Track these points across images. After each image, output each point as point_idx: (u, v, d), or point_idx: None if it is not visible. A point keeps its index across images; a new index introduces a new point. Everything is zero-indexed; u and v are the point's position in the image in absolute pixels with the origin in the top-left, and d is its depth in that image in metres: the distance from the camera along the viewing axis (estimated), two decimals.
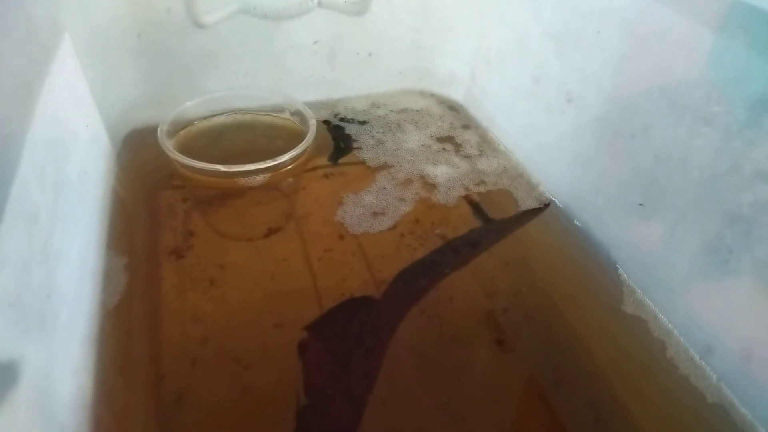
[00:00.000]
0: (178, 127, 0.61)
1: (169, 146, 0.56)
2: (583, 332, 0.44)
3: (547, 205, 0.55)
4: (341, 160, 0.60)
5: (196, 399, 0.38)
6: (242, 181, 0.55)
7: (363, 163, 0.59)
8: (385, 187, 0.55)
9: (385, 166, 0.58)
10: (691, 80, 0.39)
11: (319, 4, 0.63)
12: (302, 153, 0.58)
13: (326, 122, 0.65)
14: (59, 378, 0.32)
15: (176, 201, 0.54)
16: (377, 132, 0.63)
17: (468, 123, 0.67)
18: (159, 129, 0.57)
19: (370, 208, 0.53)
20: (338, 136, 0.63)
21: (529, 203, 0.55)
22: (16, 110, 0.33)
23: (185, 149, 0.57)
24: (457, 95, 0.71)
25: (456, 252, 0.50)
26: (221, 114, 0.65)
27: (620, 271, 0.47)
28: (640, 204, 0.44)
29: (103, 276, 0.44)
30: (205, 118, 0.64)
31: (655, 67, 0.41)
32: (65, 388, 0.32)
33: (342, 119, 0.66)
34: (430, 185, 0.56)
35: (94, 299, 0.42)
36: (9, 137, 0.32)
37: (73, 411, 0.33)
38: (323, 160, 0.60)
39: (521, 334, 0.44)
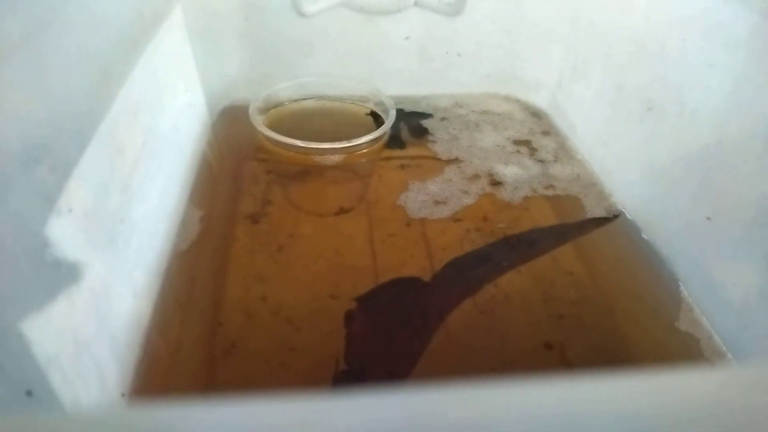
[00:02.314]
0: (269, 105, 0.66)
1: (258, 121, 0.60)
2: (636, 347, 0.42)
3: (616, 216, 0.53)
4: (413, 152, 0.61)
5: (246, 350, 0.40)
6: (318, 159, 0.59)
7: (434, 155, 0.60)
8: (451, 179, 0.56)
9: (455, 161, 0.59)
10: None
11: (416, 3, 0.65)
12: (378, 139, 0.60)
13: (405, 113, 0.67)
14: (119, 295, 0.36)
15: (260, 172, 0.58)
16: (454, 128, 0.65)
17: (549, 130, 0.66)
18: (251, 105, 0.62)
19: (432, 197, 0.54)
20: (411, 127, 0.65)
21: (597, 212, 0.53)
22: (118, 57, 0.38)
23: (273, 126, 0.61)
24: (541, 102, 0.70)
25: (512, 247, 0.50)
26: (310, 98, 0.69)
27: (681, 287, 0.45)
28: (708, 218, 0.42)
29: (179, 223, 0.49)
30: (295, 100, 0.68)
31: (736, 78, 0.39)
32: (123, 306, 0.36)
33: (422, 114, 0.68)
34: (497, 183, 0.56)
35: (167, 240, 0.46)
36: (108, 78, 0.36)
37: (128, 328, 0.36)
38: (400, 150, 0.62)
39: (572, 342, 0.43)
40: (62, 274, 0.28)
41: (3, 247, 0.23)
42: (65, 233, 0.28)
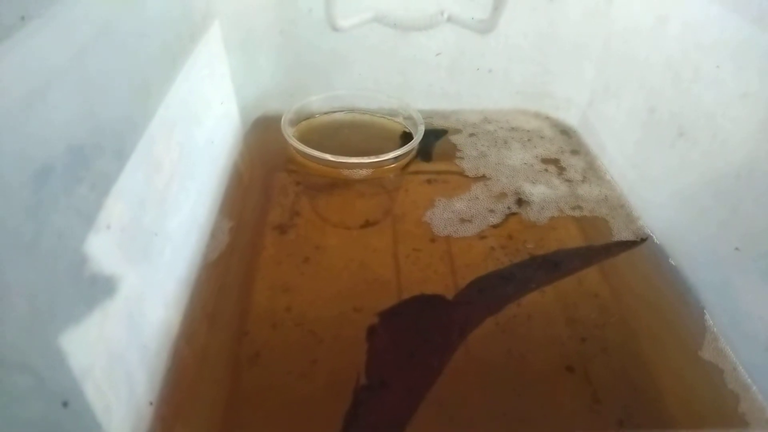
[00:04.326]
0: (301, 117, 0.67)
1: (289, 132, 0.62)
2: (659, 374, 0.42)
3: (644, 240, 0.52)
4: (440, 167, 0.62)
5: (270, 360, 0.41)
6: (347, 173, 0.60)
7: (462, 172, 0.60)
8: (477, 197, 0.56)
9: (482, 178, 0.59)
10: None
11: (448, 19, 0.66)
12: (406, 154, 0.61)
13: (433, 129, 0.68)
14: (151, 306, 0.37)
15: (289, 183, 0.59)
16: (482, 145, 0.65)
17: (578, 149, 0.66)
18: (283, 117, 0.63)
19: (458, 214, 0.54)
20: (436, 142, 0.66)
21: (624, 235, 0.53)
22: (157, 73, 0.39)
23: (303, 138, 0.62)
24: (572, 120, 0.70)
25: (537, 268, 0.50)
26: (341, 111, 0.70)
27: (707, 316, 0.44)
28: (736, 248, 0.41)
29: (209, 233, 0.50)
30: (326, 113, 0.69)
31: (766, 109, 0.39)
32: (154, 316, 0.38)
33: (451, 129, 0.68)
34: (524, 202, 0.56)
35: (197, 250, 0.47)
36: (148, 95, 0.38)
37: (157, 336, 0.38)
38: (428, 165, 0.62)
39: (594, 366, 0.43)
40: (98, 288, 0.29)
41: (45, 265, 0.24)
42: (103, 249, 0.29)
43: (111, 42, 0.33)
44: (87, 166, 0.29)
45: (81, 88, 0.29)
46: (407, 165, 0.62)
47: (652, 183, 0.53)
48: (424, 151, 0.65)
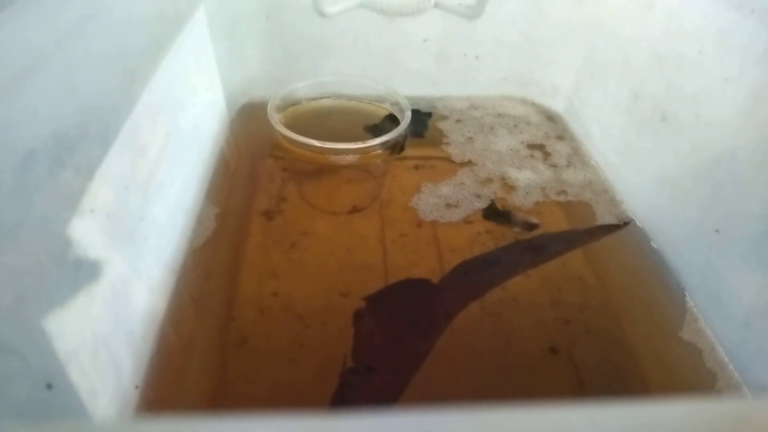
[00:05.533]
0: (287, 103, 0.67)
1: (275, 119, 0.62)
2: (640, 355, 0.43)
3: (626, 224, 0.53)
4: (427, 153, 0.62)
5: (257, 345, 0.42)
6: (333, 159, 0.60)
7: (448, 157, 0.61)
8: (464, 183, 0.57)
9: (468, 163, 0.60)
10: None
11: (435, 5, 0.66)
12: (392, 140, 0.61)
13: (418, 113, 0.68)
14: (137, 291, 0.37)
15: (276, 170, 0.59)
16: (469, 131, 0.65)
17: (563, 134, 0.66)
18: (269, 103, 0.63)
19: (444, 199, 0.55)
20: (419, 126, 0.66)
21: (607, 219, 0.54)
22: (142, 59, 0.39)
23: (290, 125, 0.62)
24: (558, 107, 0.70)
25: (522, 252, 0.50)
26: (328, 97, 0.70)
27: (687, 297, 0.45)
28: (716, 231, 0.42)
29: (195, 219, 0.50)
30: (313, 99, 0.69)
31: (750, 94, 0.39)
32: (140, 301, 0.38)
33: (436, 115, 0.68)
34: (509, 187, 0.57)
35: (183, 236, 0.47)
36: (133, 79, 0.37)
37: (143, 322, 0.38)
38: (415, 151, 0.63)
39: (578, 348, 0.43)
40: (83, 272, 0.29)
41: (29, 248, 0.24)
42: (87, 233, 0.29)
43: (96, 26, 0.33)
44: (71, 150, 0.29)
45: (65, 72, 0.29)
46: (394, 150, 0.62)
47: (635, 168, 0.54)
48: (418, 129, 0.65)
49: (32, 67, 0.26)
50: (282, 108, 0.66)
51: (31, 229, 0.24)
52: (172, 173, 0.45)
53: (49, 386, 0.24)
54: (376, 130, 0.65)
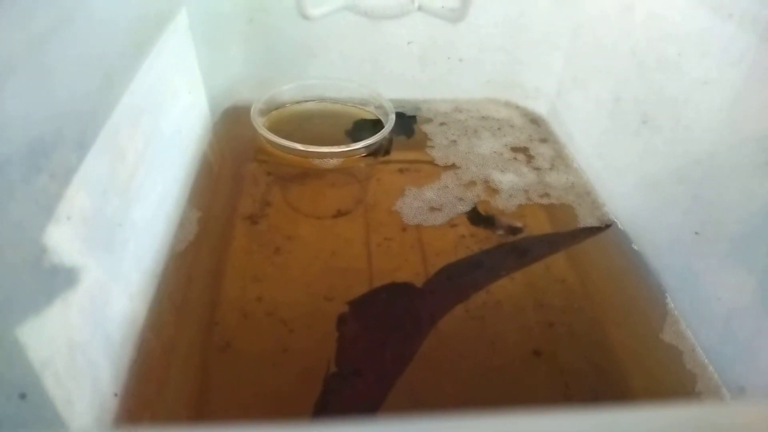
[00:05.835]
0: (271, 107, 0.67)
1: (259, 123, 0.61)
2: (622, 357, 0.43)
3: (608, 226, 0.54)
4: (411, 156, 0.62)
5: (241, 350, 0.41)
6: (318, 162, 0.59)
7: (432, 161, 0.61)
8: (447, 186, 0.57)
9: (452, 167, 0.60)
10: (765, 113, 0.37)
11: (419, 8, 0.66)
12: (376, 144, 0.61)
13: (402, 116, 0.68)
14: (115, 297, 0.37)
15: (260, 173, 0.59)
16: (453, 134, 0.65)
17: (547, 137, 0.66)
18: (253, 107, 0.63)
19: (428, 203, 0.55)
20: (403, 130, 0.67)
21: (589, 221, 0.54)
22: (122, 62, 0.39)
23: (274, 128, 0.62)
24: (541, 109, 0.71)
25: (505, 255, 0.51)
26: (311, 100, 0.69)
27: (668, 299, 0.45)
28: (696, 233, 0.42)
29: (177, 224, 0.50)
30: (297, 102, 0.69)
31: (729, 97, 0.40)
32: (119, 307, 0.37)
33: (420, 118, 0.68)
34: (493, 190, 0.57)
35: (164, 241, 0.47)
36: (111, 83, 0.37)
37: (122, 328, 0.37)
38: (399, 154, 0.63)
39: (561, 350, 0.43)
40: (59, 279, 0.29)
41: (2, 255, 0.24)
42: (63, 240, 0.29)
43: (74, 29, 0.32)
44: (47, 155, 0.28)
45: (40, 76, 0.29)
46: (378, 154, 0.62)
47: (617, 170, 0.55)
48: (402, 133, 0.65)
49: (5, 71, 0.25)
50: (266, 111, 0.66)
51: (5, 236, 0.24)
52: (153, 177, 0.44)
53: (23, 396, 0.23)
54: (360, 133, 0.65)
